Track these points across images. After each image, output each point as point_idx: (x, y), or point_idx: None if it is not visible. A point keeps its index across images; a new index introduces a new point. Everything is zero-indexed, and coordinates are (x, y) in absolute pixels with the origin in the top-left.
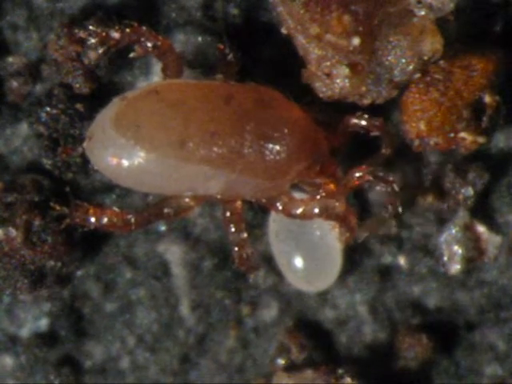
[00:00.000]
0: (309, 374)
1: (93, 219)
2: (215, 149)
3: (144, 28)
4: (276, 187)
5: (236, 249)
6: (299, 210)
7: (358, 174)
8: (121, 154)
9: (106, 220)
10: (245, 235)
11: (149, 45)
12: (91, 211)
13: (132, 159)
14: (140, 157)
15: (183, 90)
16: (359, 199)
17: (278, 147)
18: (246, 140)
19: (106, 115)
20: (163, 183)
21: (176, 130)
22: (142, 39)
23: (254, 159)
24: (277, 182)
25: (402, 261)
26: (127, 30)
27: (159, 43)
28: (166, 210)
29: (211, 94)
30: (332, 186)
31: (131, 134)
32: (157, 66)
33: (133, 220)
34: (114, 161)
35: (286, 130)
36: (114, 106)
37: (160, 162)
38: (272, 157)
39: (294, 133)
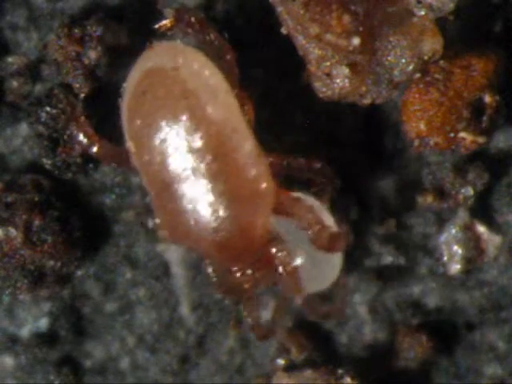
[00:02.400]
0: (309, 373)
1: (85, 140)
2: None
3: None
4: None
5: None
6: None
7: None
8: None
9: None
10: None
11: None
12: (90, 134)
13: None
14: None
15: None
16: (359, 199)
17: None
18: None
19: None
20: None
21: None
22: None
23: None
24: None
25: (402, 261)
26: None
27: (226, 54)
28: None
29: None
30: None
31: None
32: None
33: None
34: None
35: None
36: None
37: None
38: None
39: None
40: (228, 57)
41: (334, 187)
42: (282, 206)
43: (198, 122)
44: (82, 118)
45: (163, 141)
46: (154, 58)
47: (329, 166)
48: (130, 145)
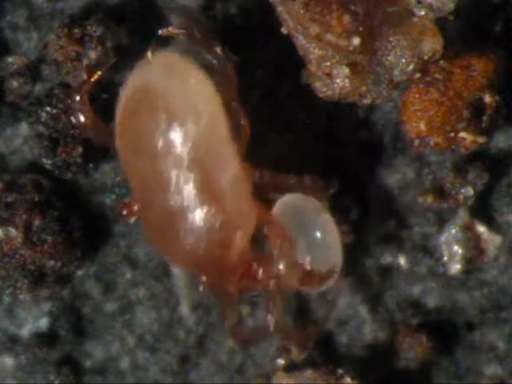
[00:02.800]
0: (309, 373)
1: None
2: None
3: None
4: None
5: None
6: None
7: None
8: None
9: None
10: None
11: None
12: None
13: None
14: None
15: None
16: (359, 199)
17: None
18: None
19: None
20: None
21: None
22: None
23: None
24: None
25: (402, 261)
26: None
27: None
28: None
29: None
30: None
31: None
32: None
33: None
34: None
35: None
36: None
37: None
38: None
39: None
40: (228, 70)
41: (329, 195)
42: (262, 226)
43: (183, 144)
44: (86, 94)
45: (147, 157)
46: (148, 73)
47: (321, 180)
48: (119, 152)
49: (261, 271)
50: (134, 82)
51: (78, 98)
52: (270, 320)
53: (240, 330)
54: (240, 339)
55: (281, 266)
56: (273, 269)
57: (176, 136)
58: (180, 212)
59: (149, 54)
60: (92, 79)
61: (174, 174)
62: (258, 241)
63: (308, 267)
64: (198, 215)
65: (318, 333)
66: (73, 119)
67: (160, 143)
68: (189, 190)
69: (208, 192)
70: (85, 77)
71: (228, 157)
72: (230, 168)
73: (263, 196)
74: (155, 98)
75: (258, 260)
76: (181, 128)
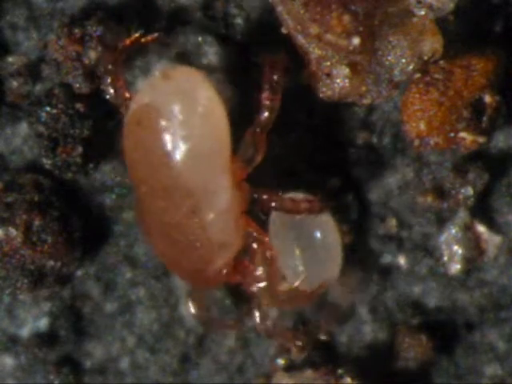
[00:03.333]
0: (309, 373)
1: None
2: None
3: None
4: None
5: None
6: None
7: None
8: None
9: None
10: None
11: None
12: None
13: None
14: None
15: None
16: (359, 199)
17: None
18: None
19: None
20: None
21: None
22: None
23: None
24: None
25: (402, 261)
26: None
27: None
28: None
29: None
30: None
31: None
32: (158, 65)
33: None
34: None
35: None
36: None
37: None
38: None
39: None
40: (277, 103)
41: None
42: (251, 242)
43: (179, 166)
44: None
45: (147, 166)
46: (161, 91)
47: (318, 200)
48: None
49: (246, 285)
50: (144, 94)
51: (110, 69)
52: (260, 326)
53: (206, 317)
54: (206, 327)
55: (266, 282)
56: (257, 286)
57: (173, 158)
58: (168, 223)
59: (163, 69)
60: (128, 43)
61: (167, 190)
62: (246, 252)
63: (295, 285)
64: (184, 230)
65: (323, 332)
66: (103, 86)
67: (159, 159)
68: (179, 208)
69: (197, 215)
70: (121, 45)
71: (223, 186)
72: (224, 197)
73: (258, 211)
74: (162, 121)
75: (242, 274)
76: (179, 151)
